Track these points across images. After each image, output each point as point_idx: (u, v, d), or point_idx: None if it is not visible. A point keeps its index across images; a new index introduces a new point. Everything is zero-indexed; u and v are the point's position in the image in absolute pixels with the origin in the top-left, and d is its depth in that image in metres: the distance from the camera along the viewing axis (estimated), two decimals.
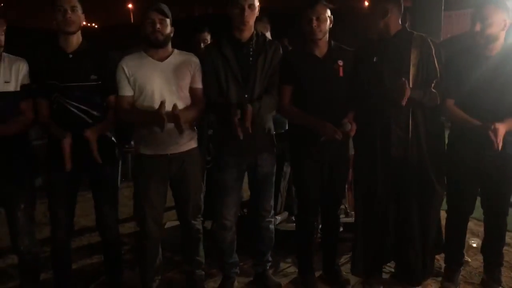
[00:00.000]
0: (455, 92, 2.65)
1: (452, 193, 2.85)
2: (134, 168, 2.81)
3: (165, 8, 2.58)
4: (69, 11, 2.49)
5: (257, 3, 2.63)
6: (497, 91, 2.56)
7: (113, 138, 2.79)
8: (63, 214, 2.68)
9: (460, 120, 2.64)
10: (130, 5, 41.55)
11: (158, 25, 2.55)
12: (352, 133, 2.65)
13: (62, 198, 2.67)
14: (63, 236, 2.74)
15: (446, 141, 2.85)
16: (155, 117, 2.45)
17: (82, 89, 2.57)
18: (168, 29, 2.62)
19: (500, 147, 2.40)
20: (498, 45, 2.59)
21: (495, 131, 2.38)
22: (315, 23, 2.62)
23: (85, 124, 2.55)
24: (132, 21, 34.20)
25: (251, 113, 2.52)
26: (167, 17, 2.59)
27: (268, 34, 3.83)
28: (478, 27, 2.53)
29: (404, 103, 2.44)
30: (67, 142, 2.45)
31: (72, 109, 2.56)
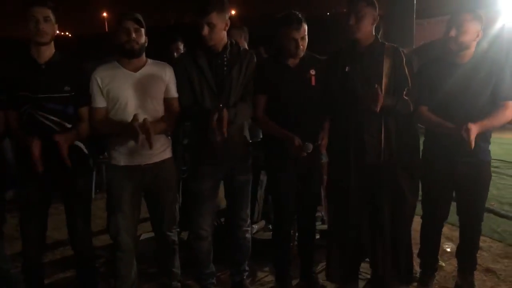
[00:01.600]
0: (428, 99, 2.70)
1: (426, 199, 2.90)
2: (107, 179, 2.77)
3: (140, 17, 2.56)
4: (42, 22, 2.44)
5: (218, 21, 2.56)
6: (468, 98, 2.62)
7: (85, 150, 2.74)
8: (34, 229, 2.62)
9: (435, 124, 2.69)
10: (104, 14, 41.14)
11: (133, 34, 2.53)
12: (323, 148, 2.73)
13: (33, 212, 2.61)
14: (34, 251, 2.67)
15: (421, 148, 2.89)
16: (129, 130, 2.44)
17: (55, 101, 2.52)
18: (143, 38, 2.60)
19: (472, 146, 2.45)
20: (469, 54, 2.65)
21: (468, 131, 2.43)
22: (300, 42, 2.65)
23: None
24: (106, 29, 33.87)
25: (227, 117, 2.50)
26: (142, 27, 2.57)
27: (245, 43, 3.84)
28: (453, 33, 2.58)
29: (378, 109, 2.47)
30: (35, 145, 2.38)
31: (44, 120, 2.50)
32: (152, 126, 2.47)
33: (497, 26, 8.67)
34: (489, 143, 2.79)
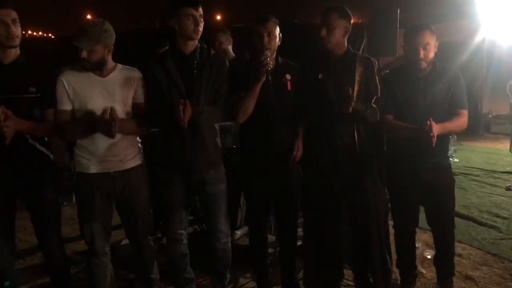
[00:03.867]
0: (392, 108, 2.77)
1: (394, 206, 2.95)
2: (76, 187, 2.71)
3: (91, 39, 2.48)
4: (12, 25, 2.38)
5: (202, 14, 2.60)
6: (427, 107, 2.72)
7: (51, 156, 2.65)
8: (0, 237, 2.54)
9: (400, 129, 2.76)
10: (88, 16, 40.81)
11: (84, 54, 2.48)
12: (298, 157, 2.75)
13: None
14: (2, 259, 2.58)
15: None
16: (99, 124, 2.41)
17: (20, 102, 2.44)
18: (99, 54, 2.52)
19: (434, 142, 2.53)
20: (429, 67, 2.74)
21: (430, 126, 2.51)
22: (266, 39, 2.66)
23: (22, 139, 2.43)
24: None
25: (189, 108, 2.43)
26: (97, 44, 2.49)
27: (230, 47, 3.85)
28: (421, 54, 2.67)
29: (350, 110, 2.50)
30: None
31: None
32: (120, 121, 2.44)
33: (478, 37, 8.86)
34: (448, 150, 2.97)
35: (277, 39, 2.72)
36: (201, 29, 2.60)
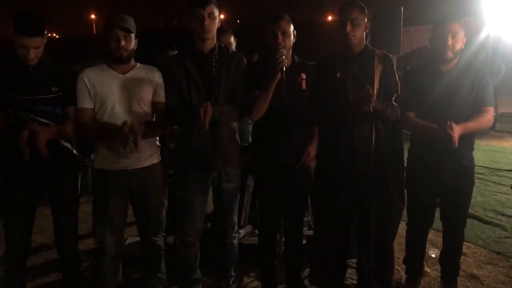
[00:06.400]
0: (415, 105, 2.73)
1: (412, 205, 2.92)
2: (93, 183, 2.74)
3: (130, 25, 2.52)
4: (32, 50, 2.41)
5: (217, 13, 2.61)
6: (453, 104, 2.66)
7: (75, 152, 2.71)
8: (19, 233, 2.59)
9: (421, 129, 2.71)
10: (92, 16, 40.92)
11: (122, 42, 2.51)
12: (308, 163, 2.76)
13: (19, 217, 2.58)
14: (18, 256, 2.64)
15: (406, 155, 2.92)
16: (117, 134, 2.41)
17: (43, 102, 2.50)
18: (132, 44, 2.57)
19: (456, 144, 2.48)
20: (455, 62, 2.70)
21: (452, 128, 2.47)
22: (280, 38, 2.64)
23: None
24: (94, 32, 33.66)
25: (211, 112, 2.44)
26: (131, 33, 2.54)
27: (233, 47, 3.84)
28: (450, 41, 2.62)
29: (370, 110, 2.46)
30: (23, 133, 2.34)
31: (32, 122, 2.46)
32: (140, 129, 2.42)
33: (483, 34, 8.81)
34: (473, 149, 2.83)
35: (292, 36, 2.70)
36: (210, 27, 2.59)
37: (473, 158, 2.84)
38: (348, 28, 2.58)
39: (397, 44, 5.20)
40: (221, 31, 3.89)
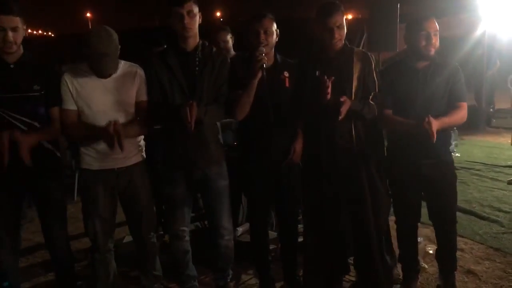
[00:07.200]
0: (391, 103, 2.75)
1: (397, 202, 2.94)
2: (80, 183, 2.72)
3: (110, 38, 2.48)
4: (9, 32, 2.36)
5: (196, 10, 2.58)
6: (427, 100, 2.69)
7: (57, 153, 2.67)
8: (4, 234, 2.57)
9: (399, 125, 2.74)
10: (88, 14, 40.77)
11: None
12: (295, 160, 2.76)
13: (3, 217, 2.56)
14: (6, 257, 2.61)
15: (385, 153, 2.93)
16: (102, 135, 2.42)
17: (25, 100, 2.46)
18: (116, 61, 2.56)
19: (434, 139, 2.50)
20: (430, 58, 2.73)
21: (429, 123, 2.49)
22: (262, 36, 2.64)
23: None
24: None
25: (196, 111, 2.43)
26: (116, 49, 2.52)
27: (230, 45, 3.83)
28: (434, 39, 2.64)
29: (341, 118, 2.48)
30: (4, 143, 2.30)
31: (13, 121, 2.44)
32: (124, 129, 2.44)
33: (479, 31, 8.83)
34: (450, 144, 2.91)
35: (274, 35, 2.70)
36: (190, 25, 2.56)
37: (451, 153, 2.91)
38: (336, 34, 2.58)
39: (394, 41, 5.21)
40: (217, 29, 3.90)
